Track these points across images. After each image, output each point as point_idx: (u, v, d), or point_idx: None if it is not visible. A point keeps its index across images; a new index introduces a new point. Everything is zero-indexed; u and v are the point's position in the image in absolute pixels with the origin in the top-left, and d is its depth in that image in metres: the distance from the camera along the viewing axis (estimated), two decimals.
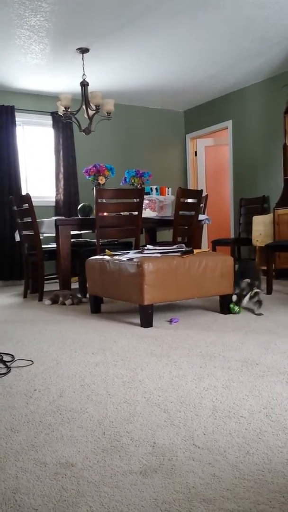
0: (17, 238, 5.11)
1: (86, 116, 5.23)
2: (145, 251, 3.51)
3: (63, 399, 1.87)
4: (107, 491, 1.20)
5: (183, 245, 3.90)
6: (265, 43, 5.12)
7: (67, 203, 6.66)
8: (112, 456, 1.38)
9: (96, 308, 3.81)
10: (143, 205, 5.05)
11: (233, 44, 5.10)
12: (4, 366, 2.36)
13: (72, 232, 4.87)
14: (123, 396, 1.87)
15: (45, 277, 4.88)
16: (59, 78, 5.97)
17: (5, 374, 2.24)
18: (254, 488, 1.18)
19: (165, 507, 1.12)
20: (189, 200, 5.02)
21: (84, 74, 5.24)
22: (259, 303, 3.54)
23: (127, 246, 5.25)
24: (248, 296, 3.48)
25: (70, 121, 6.43)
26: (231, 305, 3.52)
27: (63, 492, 1.20)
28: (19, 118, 6.46)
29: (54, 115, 6.55)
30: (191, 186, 7.85)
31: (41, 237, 4.67)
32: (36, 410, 1.76)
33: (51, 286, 5.91)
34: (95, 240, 5.29)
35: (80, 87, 5.31)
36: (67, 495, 1.19)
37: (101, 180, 4.91)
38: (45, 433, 1.56)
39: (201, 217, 5.24)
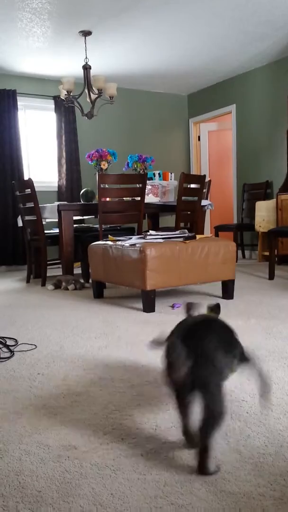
0: (20, 223, 5.11)
1: (88, 100, 5.18)
2: (148, 237, 3.51)
3: (66, 383, 1.88)
4: (109, 473, 1.21)
5: (186, 230, 3.89)
6: (270, 27, 5.04)
7: (69, 188, 6.63)
8: (115, 439, 1.40)
9: (98, 293, 3.82)
10: (146, 190, 5.03)
11: (238, 27, 5.02)
12: (7, 350, 2.38)
13: (75, 218, 4.86)
14: (125, 380, 1.88)
15: (48, 262, 4.89)
16: (61, 62, 5.90)
17: (8, 358, 2.26)
18: (255, 471, 1.20)
19: (167, 490, 1.13)
20: (192, 186, 4.99)
21: (86, 58, 5.17)
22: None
23: (129, 232, 5.25)
24: None
25: (72, 105, 6.38)
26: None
27: (66, 474, 1.22)
28: (21, 102, 6.41)
29: (56, 99, 6.49)
30: (194, 171, 7.80)
31: (43, 223, 4.66)
32: (40, 394, 1.78)
33: (54, 271, 5.92)
34: (97, 226, 5.29)
35: (82, 71, 5.25)
36: (70, 477, 1.20)
37: (104, 165, 4.89)
38: (48, 417, 1.57)
39: (204, 202, 5.22)
